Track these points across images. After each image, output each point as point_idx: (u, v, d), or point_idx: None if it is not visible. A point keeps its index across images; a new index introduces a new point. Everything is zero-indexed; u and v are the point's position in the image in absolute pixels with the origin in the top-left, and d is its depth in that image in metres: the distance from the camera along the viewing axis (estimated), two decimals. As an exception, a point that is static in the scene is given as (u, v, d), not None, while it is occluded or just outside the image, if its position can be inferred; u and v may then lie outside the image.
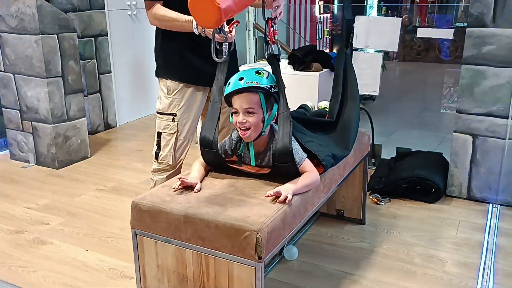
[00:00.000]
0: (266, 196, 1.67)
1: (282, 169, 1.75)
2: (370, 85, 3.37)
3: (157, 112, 2.24)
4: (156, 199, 1.70)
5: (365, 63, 3.35)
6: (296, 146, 1.81)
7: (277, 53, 1.85)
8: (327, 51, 3.78)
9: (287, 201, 1.64)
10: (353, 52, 3.30)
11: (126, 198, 3.16)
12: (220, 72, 1.85)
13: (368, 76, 3.35)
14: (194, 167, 1.88)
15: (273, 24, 1.83)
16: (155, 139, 2.27)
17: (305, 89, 3.29)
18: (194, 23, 1.97)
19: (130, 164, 3.81)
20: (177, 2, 2.02)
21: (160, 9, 2.05)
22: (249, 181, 1.82)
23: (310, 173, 1.78)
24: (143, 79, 5.33)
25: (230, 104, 1.83)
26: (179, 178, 1.76)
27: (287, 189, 1.68)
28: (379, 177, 3.18)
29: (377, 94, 3.40)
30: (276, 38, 1.84)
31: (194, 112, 2.22)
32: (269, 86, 1.77)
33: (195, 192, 1.73)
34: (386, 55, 7.21)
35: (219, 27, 1.67)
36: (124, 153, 4.12)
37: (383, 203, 3.01)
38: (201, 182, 1.81)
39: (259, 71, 1.79)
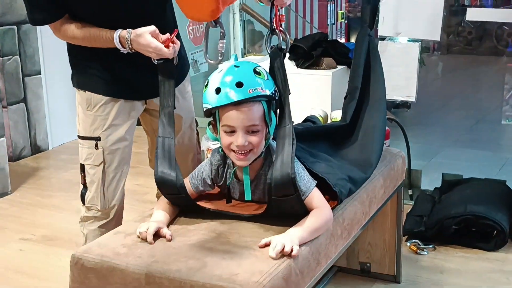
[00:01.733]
0: (260, 247, 1.67)
1: (282, 205, 1.76)
2: (403, 88, 3.40)
3: (78, 136, 2.25)
4: (107, 252, 1.70)
5: (395, 57, 3.38)
6: (301, 170, 1.82)
7: (284, 47, 1.87)
8: (343, 41, 3.83)
9: (292, 255, 1.63)
10: (379, 42, 3.34)
11: (63, 251, 3.13)
12: (166, 96, 1.88)
13: (400, 76, 3.39)
14: (159, 205, 1.89)
15: (279, 8, 1.87)
16: (80, 174, 2.27)
17: (312, 94, 3.32)
18: (116, 37, 1.96)
19: (67, 203, 3.77)
20: (89, 7, 2.00)
21: (67, 30, 2.04)
22: (237, 223, 1.83)
23: (319, 210, 1.78)
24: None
25: (210, 115, 1.84)
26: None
27: (291, 237, 1.66)
28: (419, 216, 3.19)
29: (414, 100, 3.43)
30: (283, 26, 1.87)
31: (127, 133, 2.22)
32: (273, 91, 1.79)
33: (168, 240, 1.73)
34: (425, 46, 7.31)
35: (216, 19, 1.70)
36: (60, 187, 4.09)
37: (425, 253, 3.02)
38: (170, 224, 1.82)
39: (257, 70, 1.79)
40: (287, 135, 1.76)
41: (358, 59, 2.30)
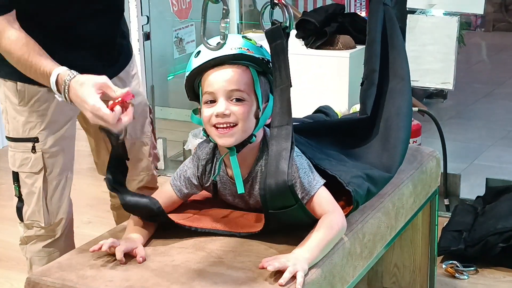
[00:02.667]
0: (260, 268, 1.67)
1: (283, 218, 1.76)
2: (438, 73, 3.40)
3: (6, 138, 2.23)
4: (70, 275, 1.69)
5: (428, 34, 3.38)
6: (305, 165, 1.83)
7: (287, 24, 1.81)
8: (363, 15, 3.82)
9: (297, 286, 1.61)
10: (408, 15, 3.34)
11: (15, 275, 3.14)
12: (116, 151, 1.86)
13: (434, 58, 3.38)
14: (132, 218, 1.89)
15: None
16: (13, 185, 2.26)
17: (325, 80, 3.32)
18: (54, 76, 1.87)
19: None
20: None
21: (5, 38, 1.95)
22: (231, 239, 1.82)
23: (329, 217, 1.78)
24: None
25: (193, 94, 1.87)
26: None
27: (295, 260, 1.65)
28: (457, 231, 3.19)
29: (451, 89, 3.43)
30: None
31: (69, 131, 2.23)
32: (266, 59, 1.81)
33: (139, 262, 1.73)
34: (465, 21, 7.30)
35: None
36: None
37: (466, 276, 3.02)
38: (145, 244, 1.82)
39: (248, 37, 1.84)
40: (284, 136, 1.74)
41: (373, 34, 2.29)
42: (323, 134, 2.16)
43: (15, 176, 2.23)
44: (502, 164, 4.29)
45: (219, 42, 1.74)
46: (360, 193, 1.91)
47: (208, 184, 1.93)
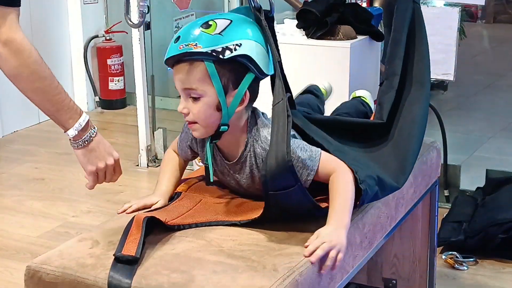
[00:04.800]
0: (306, 256, 1.67)
1: (283, 201, 1.76)
2: (439, 65, 3.40)
3: None
4: (70, 263, 1.69)
5: (429, 25, 3.32)
6: (299, 143, 1.84)
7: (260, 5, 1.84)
8: (364, 5, 3.82)
9: (337, 262, 1.67)
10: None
11: (15, 264, 3.15)
12: None
13: (434, 49, 3.35)
14: (166, 169, 2.00)
15: None
16: None
17: (326, 70, 3.32)
18: (85, 118, 1.79)
19: (21, 204, 3.80)
20: None
21: (24, 42, 1.67)
22: (231, 228, 1.82)
23: (338, 177, 1.81)
24: (46, 55, 5.31)
25: None
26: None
27: (327, 237, 1.69)
28: (457, 222, 3.19)
29: (452, 80, 3.42)
30: None
31: None
32: (220, 49, 1.76)
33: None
34: (466, 12, 7.29)
35: None
36: (12, 184, 4.10)
37: (465, 267, 3.02)
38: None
39: (210, 22, 1.79)
40: (280, 113, 1.75)
41: (399, 33, 2.23)
42: (337, 129, 2.12)
43: None
44: (502, 156, 4.29)
45: (139, 21, 1.74)
46: (369, 194, 1.90)
47: (203, 153, 1.96)
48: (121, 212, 1.90)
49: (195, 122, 1.81)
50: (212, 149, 1.88)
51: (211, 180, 1.88)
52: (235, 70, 1.79)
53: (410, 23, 2.25)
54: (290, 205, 1.78)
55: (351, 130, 2.18)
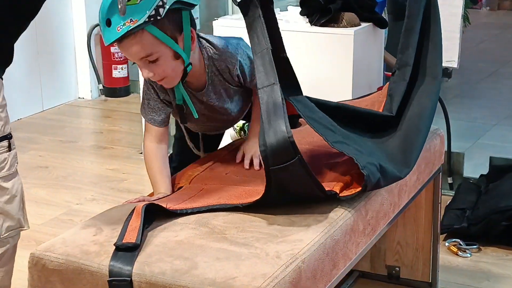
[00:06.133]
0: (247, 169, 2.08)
1: (284, 178, 1.76)
2: (443, 51, 3.39)
3: None
4: (73, 250, 1.70)
5: (433, 12, 3.36)
6: (245, 58, 2.09)
7: None
8: (368, -8, 3.80)
9: (255, 166, 1.97)
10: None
11: (18, 251, 3.10)
12: None
13: (438, 36, 3.37)
14: (154, 168, 2.11)
15: None
16: None
17: (330, 58, 3.31)
18: None
19: (25, 192, 3.58)
20: None
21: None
22: (234, 214, 1.83)
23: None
24: (49, 43, 5.33)
25: None
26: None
27: (251, 148, 2.09)
28: (460, 209, 3.19)
29: (456, 67, 3.42)
30: None
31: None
32: (153, 11, 1.85)
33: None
34: (470, -1, 7.26)
35: None
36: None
37: (468, 254, 3.03)
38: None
39: None
40: (274, 95, 1.76)
41: (413, 21, 2.18)
42: (345, 116, 2.12)
43: None
44: (506, 143, 4.29)
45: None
46: (371, 180, 1.90)
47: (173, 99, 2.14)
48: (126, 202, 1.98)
49: (164, 78, 1.98)
50: (185, 88, 2.08)
51: (196, 117, 2.11)
52: (172, 18, 1.93)
53: (425, 10, 2.20)
54: (292, 182, 1.79)
55: (359, 119, 2.17)
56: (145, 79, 2.09)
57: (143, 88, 2.15)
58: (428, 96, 2.18)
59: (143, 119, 2.20)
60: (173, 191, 2.05)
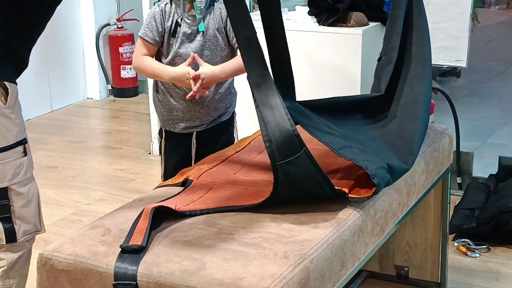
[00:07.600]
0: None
1: (291, 172, 1.76)
2: (452, 51, 3.39)
3: None
4: (82, 250, 1.70)
5: (441, 11, 3.36)
6: None
7: None
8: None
9: (193, 88, 2.38)
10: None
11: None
12: None
13: (447, 35, 3.37)
14: (151, 62, 2.53)
15: None
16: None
17: (338, 57, 3.31)
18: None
19: None
20: None
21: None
22: (242, 215, 1.84)
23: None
24: (58, 44, 5.35)
25: None
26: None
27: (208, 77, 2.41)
28: (469, 209, 3.18)
29: (464, 66, 3.41)
30: None
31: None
32: None
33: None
34: (479, -2, 7.24)
35: None
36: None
37: (477, 254, 3.02)
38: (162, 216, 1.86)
39: None
40: (266, 86, 1.77)
41: (397, 10, 2.26)
42: (341, 112, 2.14)
43: (2, 193, 2.01)
44: (517, 144, 4.28)
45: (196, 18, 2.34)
46: (381, 186, 1.92)
47: (169, 23, 2.48)
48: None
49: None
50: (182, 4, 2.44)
51: (202, 29, 2.46)
52: None
53: (408, 1, 2.26)
54: (299, 178, 1.79)
55: (352, 106, 2.20)
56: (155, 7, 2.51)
57: (153, 8, 2.53)
58: (420, 81, 2.20)
59: (138, 40, 2.55)
60: (182, 182, 2.04)
